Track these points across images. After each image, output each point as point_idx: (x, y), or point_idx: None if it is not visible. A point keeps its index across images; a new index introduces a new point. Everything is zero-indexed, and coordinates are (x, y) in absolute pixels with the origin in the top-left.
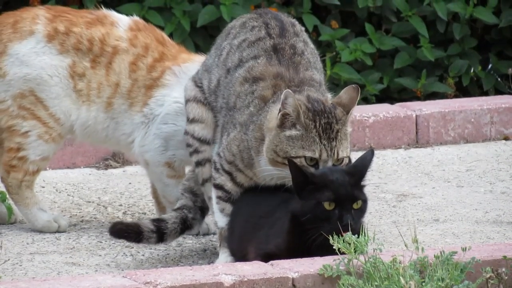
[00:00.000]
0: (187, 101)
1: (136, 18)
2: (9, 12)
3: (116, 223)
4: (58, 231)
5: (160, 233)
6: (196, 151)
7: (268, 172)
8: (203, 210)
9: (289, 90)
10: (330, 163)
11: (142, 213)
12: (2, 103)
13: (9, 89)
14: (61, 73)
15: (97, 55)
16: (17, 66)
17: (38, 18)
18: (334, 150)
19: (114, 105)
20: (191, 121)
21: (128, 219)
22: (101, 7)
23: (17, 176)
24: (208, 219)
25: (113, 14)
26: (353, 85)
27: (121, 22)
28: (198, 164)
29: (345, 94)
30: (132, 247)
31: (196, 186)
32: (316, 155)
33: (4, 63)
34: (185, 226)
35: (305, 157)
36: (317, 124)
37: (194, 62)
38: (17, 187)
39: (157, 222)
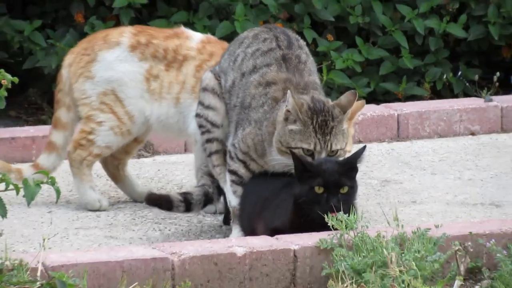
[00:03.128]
0: (204, 89)
1: (209, 35)
2: (103, 30)
3: (150, 193)
4: (99, 210)
5: (188, 203)
6: (208, 131)
7: (277, 161)
8: (220, 189)
9: (290, 91)
10: (324, 154)
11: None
12: (87, 98)
13: (95, 88)
14: (138, 78)
15: (170, 61)
16: (103, 70)
17: (124, 32)
18: (327, 143)
19: (181, 100)
20: (206, 107)
21: None
22: (180, 25)
23: (82, 154)
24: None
25: (188, 31)
26: (352, 91)
27: (195, 37)
28: (208, 141)
29: (344, 97)
30: (160, 223)
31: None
32: (311, 147)
33: (94, 68)
34: (207, 199)
35: (302, 148)
36: (314, 121)
37: None
38: (79, 163)
39: (185, 194)
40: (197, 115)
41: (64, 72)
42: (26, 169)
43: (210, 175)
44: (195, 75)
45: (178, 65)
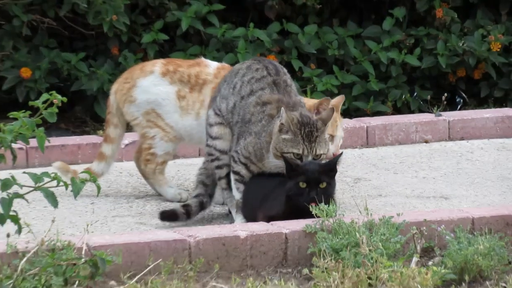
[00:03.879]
0: (210, 125)
1: (224, 63)
2: (140, 63)
3: (162, 211)
4: (180, 201)
5: (188, 213)
6: (217, 159)
7: (273, 163)
8: (211, 196)
9: (283, 109)
10: (310, 158)
11: (186, 189)
12: (136, 119)
13: (139, 109)
14: (171, 97)
15: (193, 85)
16: (142, 93)
17: (157, 63)
18: (313, 149)
19: (200, 114)
20: (214, 138)
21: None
22: (202, 56)
23: (151, 166)
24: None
25: (207, 61)
26: (331, 107)
27: (212, 65)
28: (218, 167)
29: (325, 113)
30: None
31: (206, 180)
32: (300, 152)
33: (135, 92)
34: (201, 207)
35: (293, 153)
36: (302, 132)
37: None
38: (153, 173)
39: (185, 207)
40: (207, 146)
41: (112, 98)
42: (80, 170)
43: (204, 184)
44: (211, 95)
45: (199, 87)
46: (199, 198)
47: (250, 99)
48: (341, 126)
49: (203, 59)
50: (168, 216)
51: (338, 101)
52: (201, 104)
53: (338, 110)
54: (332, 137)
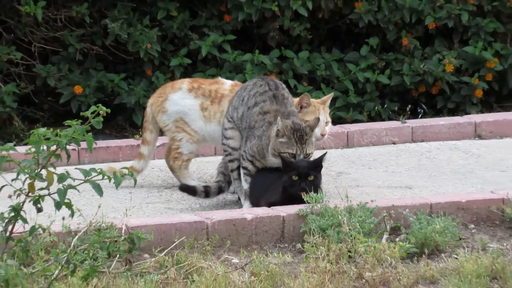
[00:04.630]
0: (225, 129)
1: (237, 81)
2: (171, 82)
3: (182, 184)
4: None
5: (207, 192)
6: (230, 154)
7: (272, 161)
8: (229, 183)
9: (279, 117)
10: (302, 157)
11: (204, 182)
12: (167, 126)
13: (170, 118)
14: (195, 108)
15: (213, 98)
16: (173, 105)
17: (184, 81)
18: (304, 149)
19: (221, 122)
20: (228, 138)
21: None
22: (219, 76)
23: (178, 163)
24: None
25: (224, 80)
26: (317, 117)
27: (227, 83)
28: (230, 161)
29: (312, 120)
30: (199, 200)
31: (225, 171)
32: (294, 152)
33: (167, 104)
34: (220, 190)
35: (288, 153)
36: (295, 136)
37: None
38: (179, 168)
39: (205, 187)
40: (223, 144)
41: (148, 109)
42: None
43: (223, 174)
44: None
45: (218, 100)
46: (218, 183)
47: (254, 109)
48: (327, 114)
49: (220, 78)
50: (186, 189)
51: (327, 96)
52: (221, 113)
53: (325, 103)
54: (327, 123)
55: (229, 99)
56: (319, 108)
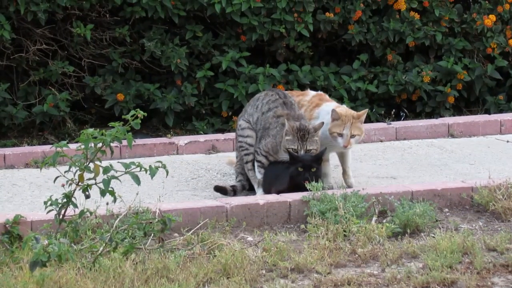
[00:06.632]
0: (243, 128)
1: (320, 92)
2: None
3: (216, 186)
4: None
5: (234, 191)
6: (246, 149)
7: (283, 155)
8: (249, 180)
9: (286, 120)
10: (302, 152)
11: (222, 174)
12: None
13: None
14: None
15: (299, 107)
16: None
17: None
18: (304, 146)
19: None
20: (245, 137)
21: (218, 177)
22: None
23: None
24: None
25: (310, 91)
26: (321, 122)
27: (310, 93)
28: (246, 155)
29: (317, 124)
30: None
31: (242, 171)
32: (296, 147)
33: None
34: (243, 188)
35: (292, 148)
36: (298, 135)
37: (326, 105)
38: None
39: (232, 186)
40: (239, 141)
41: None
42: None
43: (242, 174)
44: (308, 114)
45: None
46: (241, 182)
47: (268, 113)
48: (356, 128)
49: (309, 90)
50: (219, 190)
51: (362, 112)
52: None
53: (359, 117)
54: (354, 136)
55: (305, 109)
56: (346, 122)
